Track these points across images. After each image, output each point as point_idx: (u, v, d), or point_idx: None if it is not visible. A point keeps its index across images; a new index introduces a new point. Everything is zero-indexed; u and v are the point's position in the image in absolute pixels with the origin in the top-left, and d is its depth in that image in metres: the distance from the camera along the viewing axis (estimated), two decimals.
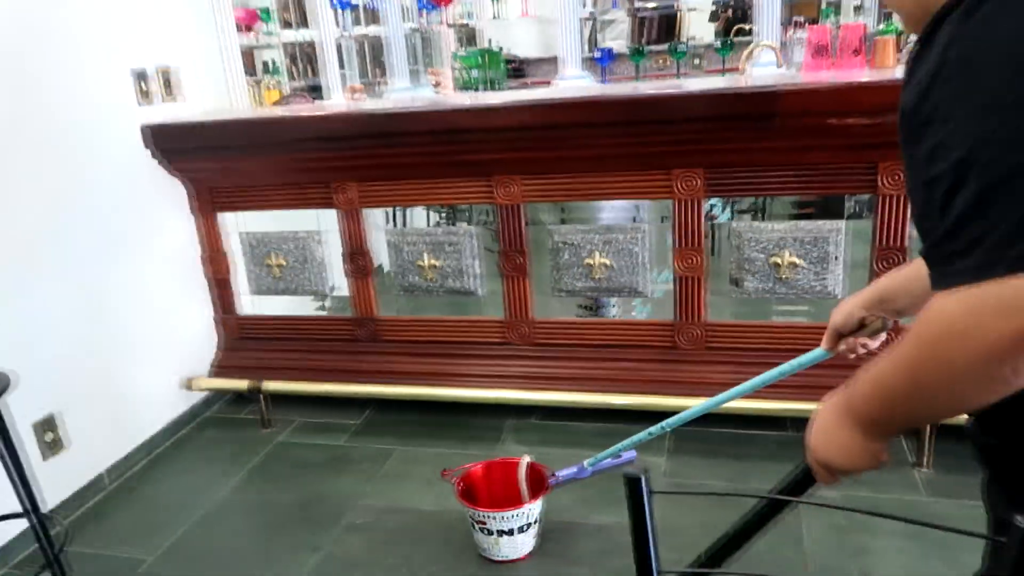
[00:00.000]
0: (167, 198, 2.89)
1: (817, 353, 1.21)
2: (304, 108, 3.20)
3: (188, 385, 2.97)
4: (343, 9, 5.09)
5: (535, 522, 2.07)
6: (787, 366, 1.33)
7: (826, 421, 0.86)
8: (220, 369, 3.06)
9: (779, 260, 2.42)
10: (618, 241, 2.58)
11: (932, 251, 0.65)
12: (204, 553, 2.23)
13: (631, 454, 2.17)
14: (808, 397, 2.36)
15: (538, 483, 2.10)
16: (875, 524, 2.11)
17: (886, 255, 2.32)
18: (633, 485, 0.69)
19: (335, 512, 2.36)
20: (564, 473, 2.06)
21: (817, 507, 2.20)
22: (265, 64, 4.17)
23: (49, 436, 2.37)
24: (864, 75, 2.46)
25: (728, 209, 4.14)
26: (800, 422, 2.65)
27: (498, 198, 2.63)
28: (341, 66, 5.09)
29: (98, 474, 2.57)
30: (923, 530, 2.06)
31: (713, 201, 3.83)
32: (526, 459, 2.14)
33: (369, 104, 3.35)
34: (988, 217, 0.59)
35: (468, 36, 7.43)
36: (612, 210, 3.83)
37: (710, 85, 2.59)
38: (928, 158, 0.63)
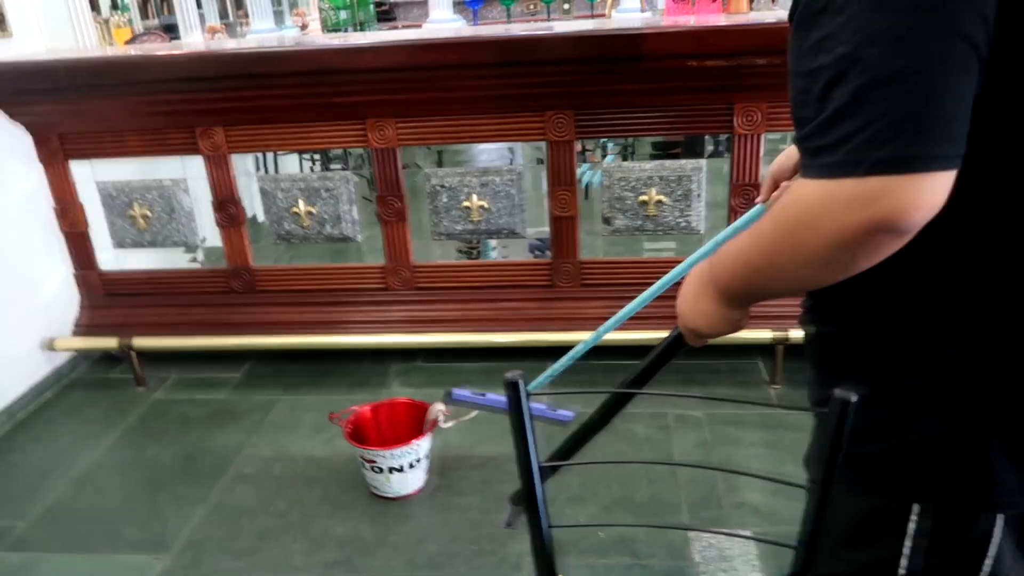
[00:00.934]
0: (9, 146, 2.67)
1: (756, 210, 1.11)
2: (159, 47, 3.02)
3: (50, 346, 2.81)
4: None
5: (424, 457, 2.14)
6: (723, 234, 1.18)
7: (691, 289, 0.92)
8: (84, 328, 2.91)
9: (647, 198, 2.55)
10: (495, 184, 2.63)
11: (804, 141, 0.67)
12: (83, 514, 2.16)
13: (568, 413, 2.25)
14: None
15: (424, 421, 2.17)
16: (738, 437, 2.32)
17: (741, 191, 2.49)
18: (512, 388, 0.75)
19: (220, 464, 2.34)
20: (492, 397, 2.04)
21: (685, 424, 2.40)
22: (113, 0, 3.88)
23: None
24: (721, 20, 2.59)
25: (606, 153, 4.27)
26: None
27: (372, 141, 2.61)
28: (198, 6, 4.80)
29: None
30: (779, 438, 2.30)
31: (591, 144, 3.94)
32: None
33: (232, 44, 3.20)
34: (859, 116, 0.61)
35: None
36: (489, 152, 3.88)
37: (578, 27, 2.65)
38: (815, 47, 0.64)
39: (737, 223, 1.15)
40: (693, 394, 2.74)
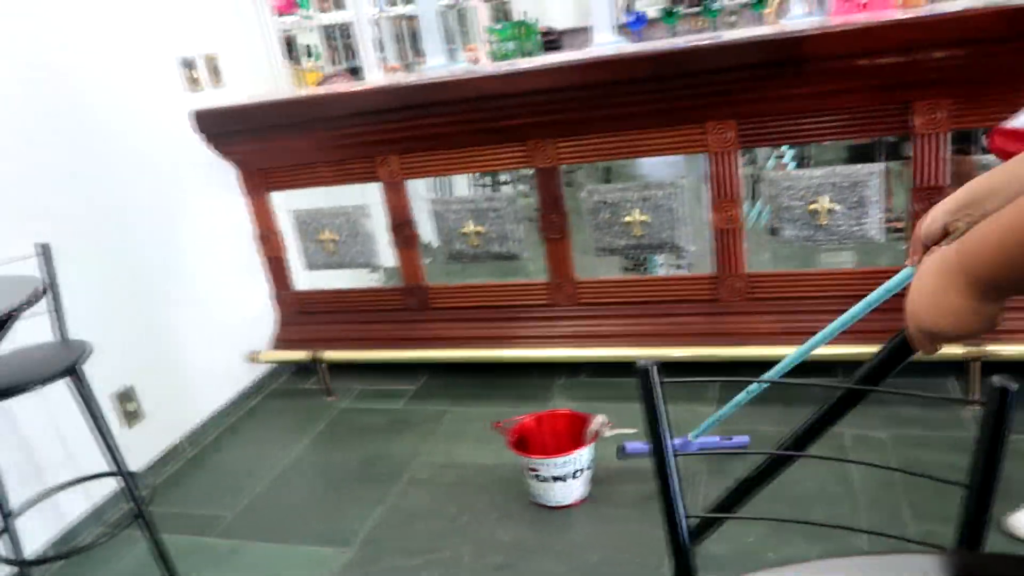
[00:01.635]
0: (220, 181, 3.04)
1: (906, 273, 1.02)
2: (344, 86, 3.31)
3: (253, 358, 3.14)
4: None
5: (586, 468, 2.16)
6: (875, 295, 1.17)
7: (931, 283, 0.76)
8: (281, 342, 3.22)
9: (817, 206, 2.44)
10: (656, 198, 2.63)
11: None
12: (278, 509, 2.39)
13: (743, 439, 2.24)
14: (861, 340, 2.36)
15: (583, 432, 2.19)
16: (925, 461, 2.14)
17: (924, 195, 2.32)
18: (644, 375, 0.77)
19: (397, 469, 2.49)
20: (633, 446, 2.15)
21: (865, 445, 2.25)
22: (307, 48, 4.30)
23: (131, 406, 2.55)
24: (896, 14, 2.44)
25: (773, 158, 4.13)
26: (853, 366, 2.67)
27: (535, 161, 2.70)
28: (380, 49, 5.20)
29: (177, 442, 2.75)
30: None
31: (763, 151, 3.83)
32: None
33: (404, 77, 3.44)
34: None
35: (502, 10, 7.45)
36: (658, 165, 3.87)
37: (737, 35, 2.60)
38: None
39: (888, 284, 1.09)
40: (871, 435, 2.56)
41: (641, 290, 2.81)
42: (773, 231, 2.55)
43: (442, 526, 2.19)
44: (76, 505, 2.37)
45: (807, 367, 2.61)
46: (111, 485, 2.43)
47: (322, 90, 3.18)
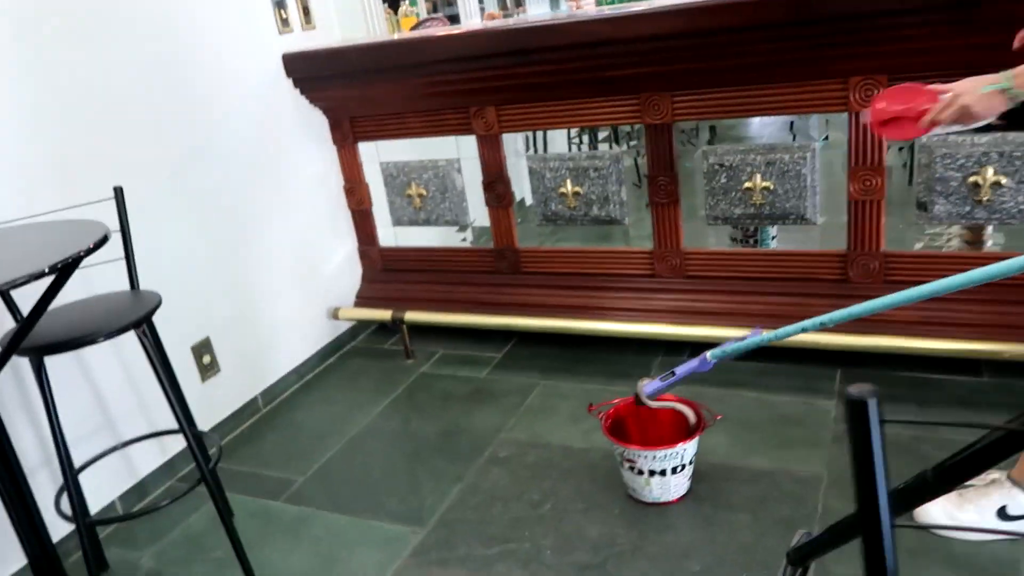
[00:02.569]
0: (309, 129, 2.88)
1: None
2: (440, 30, 3.09)
3: (334, 315, 3.01)
4: None
5: (688, 463, 1.93)
6: (999, 267, 1.04)
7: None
8: (362, 300, 3.08)
9: (979, 179, 2.08)
10: (783, 162, 2.32)
11: None
12: (351, 477, 2.25)
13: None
14: (1009, 336, 2.03)
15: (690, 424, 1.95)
16: None
17: None
18: (858, 410, 0.52)
19: (478, 444, 2.32)
20: (682, 369, 1.79)
21: None
22: None
23: (206, 359, 2.45)
24: None
25: None
26: (998, 366, 2.33)
27: (645, 117, 2.42)
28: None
29: (252, 397, 2.66)
30: None
31: None
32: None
33: (505, 21, 3.20)
34: None
35: None
36: (766, 127, 3.52)
37: None
38: None
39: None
40: None
41: (757, 265, 2.51)
42: (922, 206, 2.21)
43: (523, 512, 2.00)
44: (149, 458, 2.30)
45: (950, 364, 2.29)
46: (184, 440, 2.35)
47: (417, 34, 2.97)
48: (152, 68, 2.26)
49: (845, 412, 0.61)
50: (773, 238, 3.21)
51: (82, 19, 2.06)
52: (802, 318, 2.41)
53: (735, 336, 2.48)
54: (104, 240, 1.42)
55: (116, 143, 2.16)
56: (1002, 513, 1.65)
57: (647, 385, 1.83)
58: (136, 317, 1.67)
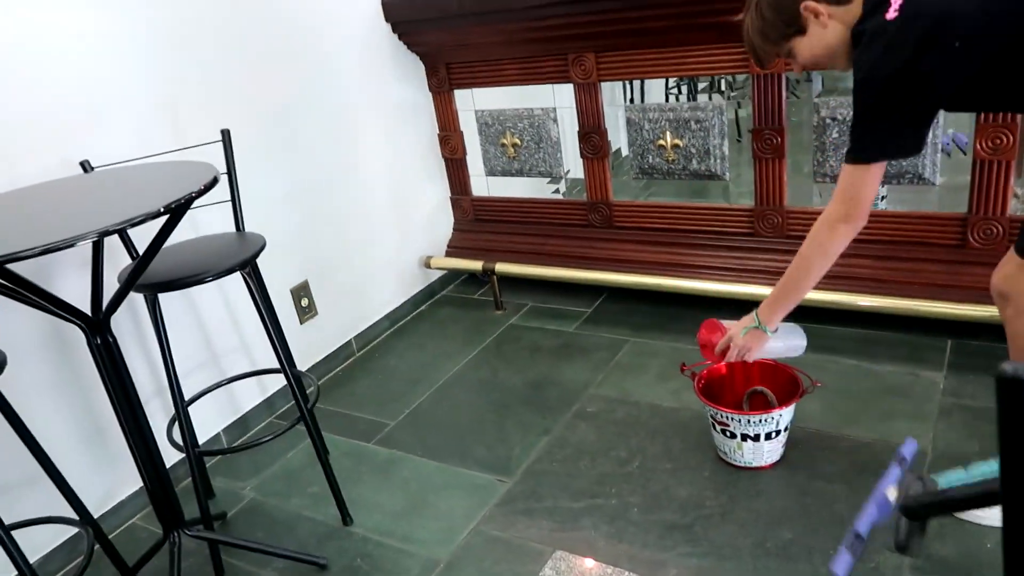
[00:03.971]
0: (406, 75, 2.88)
1: None
2: None
3: (426, 263, 3.04)
4: None
5: (784, 430, 1.87)
6: None
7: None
8: (454, 249, 3.10)
9: None
10: None
11: None
12: (440, 423, 2.29)
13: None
14: None
15: (789, 389, 1.89)
16: None
17: None
18: (1010, 388, 0.47)
19: (566, 398, 2.31)
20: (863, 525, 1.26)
21: None
22: None
23: (304, 301, 2.53)
24: None
25: None
26: None
27: (754, 66, 2.30)
28: None
29: (347, 340, 2.73)
30: None
31: None
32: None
33: None
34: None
35: None
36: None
37: None
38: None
39: None
40: None
41: (865, 226, 2.37)
42: None
43: (610, 469, 1.99)
44: (250, 395, 2.40)
45: None
46: (283, 378, 2.44)
47: None
48: (258, 11, 2.29)
49: (996, 389, 0.56)
50: (883, 198, 3.03)
51: None
52: (912, 285, 2.30)
53: (836, 303, 2.38)
54: (214, 182, 1.46)
55: (223, 86, 2.21)
56: None
57: (838, 564, 1.23)
58: (243, 258, 1.72)
